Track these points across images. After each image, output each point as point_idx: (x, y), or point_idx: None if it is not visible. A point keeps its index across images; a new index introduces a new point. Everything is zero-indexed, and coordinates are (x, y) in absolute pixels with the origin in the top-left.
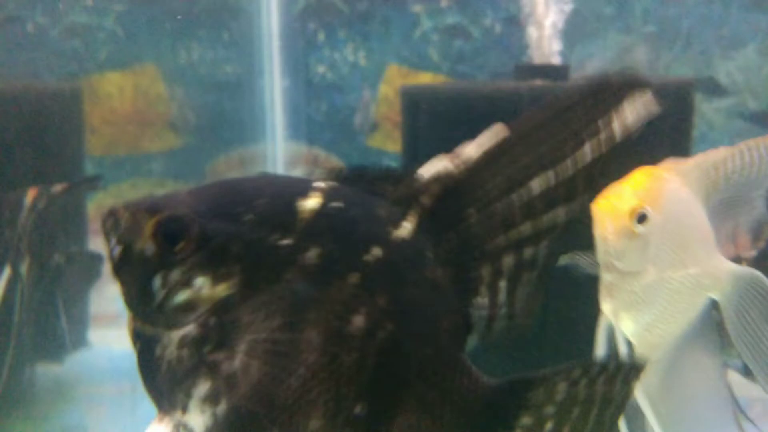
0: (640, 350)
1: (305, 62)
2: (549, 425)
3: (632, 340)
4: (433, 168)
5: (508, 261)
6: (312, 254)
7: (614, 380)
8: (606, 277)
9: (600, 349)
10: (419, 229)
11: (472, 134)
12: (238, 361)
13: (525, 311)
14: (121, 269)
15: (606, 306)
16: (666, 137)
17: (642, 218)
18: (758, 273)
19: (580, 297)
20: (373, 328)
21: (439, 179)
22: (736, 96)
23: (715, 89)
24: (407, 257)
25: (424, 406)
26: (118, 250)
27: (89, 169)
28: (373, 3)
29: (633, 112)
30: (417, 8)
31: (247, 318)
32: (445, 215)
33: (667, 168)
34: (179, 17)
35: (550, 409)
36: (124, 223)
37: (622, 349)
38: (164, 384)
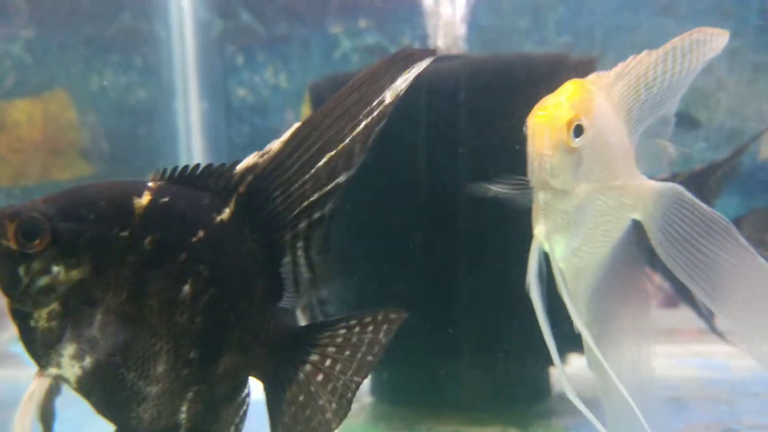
0: (568, 276)
1: (224, 85)
2: (328, 362)
3: (561, 265)
4: (246, 162)
5: (302, 225)
6: (147, 241)
7: (379, 328)
8: (541, 197)
9: (532, 275)
10: (237, 212)
11: None
12: (96, 328)
13: (321, 262)
14: None
15: (539, 228)
16: None
17: (579, 131)
18: (680, 188)
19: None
20: (199, 294)
21: (250, 170)
22: None
23: (691, 123)
24: (227, 236)
25: (242, 347)
26: None
27: None
28: (291, 25)
29: (405, 79)
30: (336, 29)
31: (99, 295)
32: (257, 199)
33: (593, 82)
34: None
35: (331, 349)
36: None
37: (558, 274)
38: (41, 348)
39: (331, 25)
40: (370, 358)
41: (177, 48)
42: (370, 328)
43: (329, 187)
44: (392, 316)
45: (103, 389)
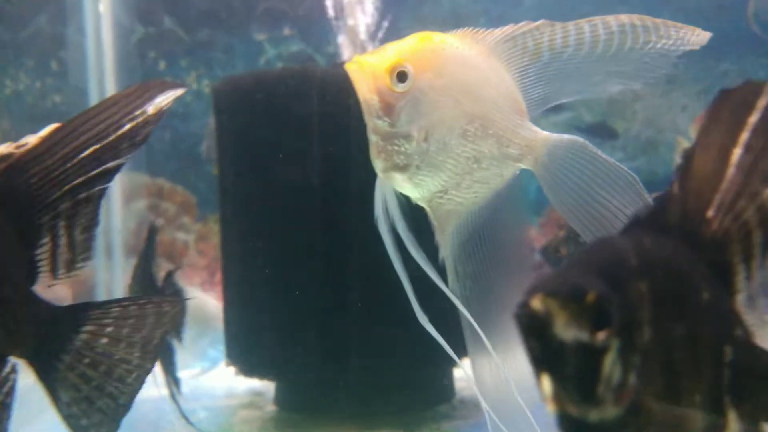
0: (436, 216)
1: None
2: (96, 339)
3: (424, 206)
4: None
5: (65, 206)
6: None
7: (161, 306)
8: (372, 138)
9: (378, 209)
10: None
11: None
12: None
13: (83, 240)
14: None
15: (377, 165)
16: None
17: (403, 76)
18: (583, 140)
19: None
20: None
21: (3, 159)
22: (572, 110)
23: (609, 133)
24: None
25: (1, 330)
26: None
27: None
28: (215, 32)
29: (164, 98)
30: (260, 36)
31: None
32: (11, 185)
33: (462, 36)
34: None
35: (108, 321)
36: None
37: (394, 210)
38: None
39: (256, 32)
40: (138, 341)
41: (93, 53)
42: (150, 306)
43: (96, 171)
44: (165, 307)
45: None
